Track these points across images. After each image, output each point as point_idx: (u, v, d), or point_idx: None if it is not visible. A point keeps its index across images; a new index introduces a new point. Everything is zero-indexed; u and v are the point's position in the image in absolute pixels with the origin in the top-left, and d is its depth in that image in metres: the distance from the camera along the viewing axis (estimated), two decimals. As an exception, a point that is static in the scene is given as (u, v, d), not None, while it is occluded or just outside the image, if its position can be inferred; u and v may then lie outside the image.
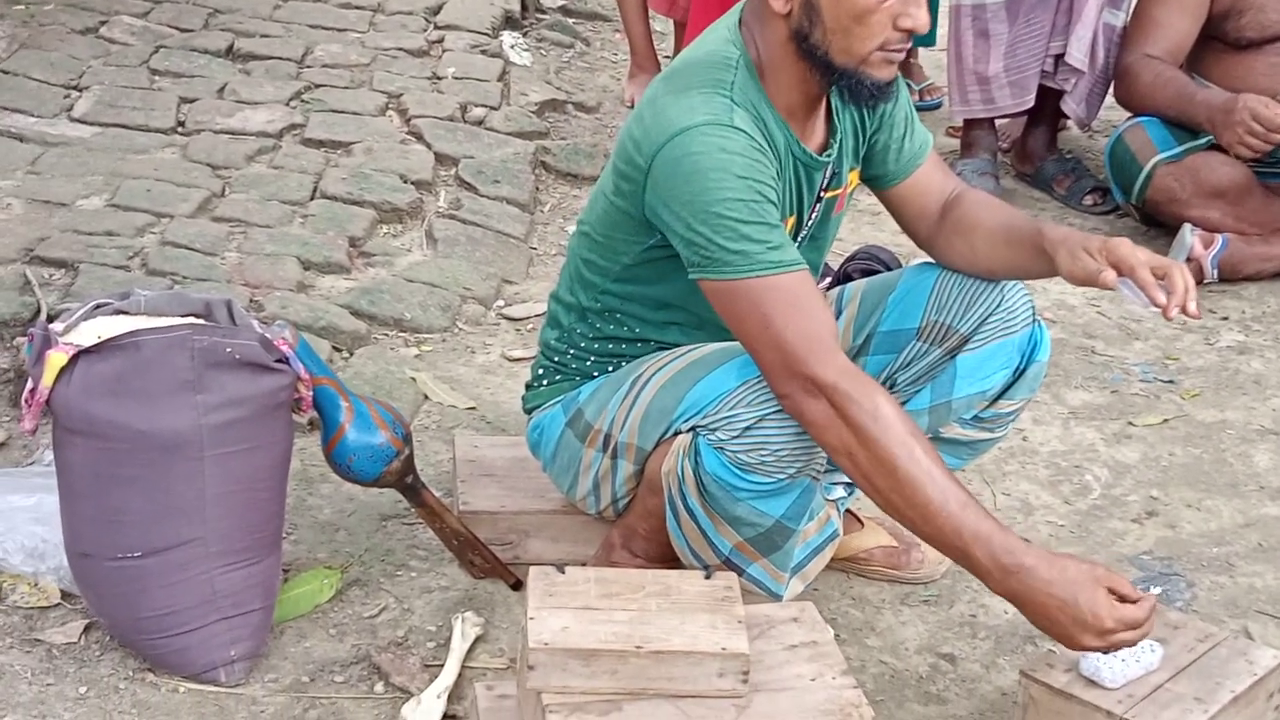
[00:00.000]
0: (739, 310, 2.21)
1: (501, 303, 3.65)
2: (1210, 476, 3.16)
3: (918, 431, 2.17)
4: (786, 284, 2.19)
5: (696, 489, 2.32)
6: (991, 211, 2.50)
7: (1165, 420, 3.36)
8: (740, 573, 2.40)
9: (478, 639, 2.50)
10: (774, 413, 2.25)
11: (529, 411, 2.63)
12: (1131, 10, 4.24)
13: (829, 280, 3.26)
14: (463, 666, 2.43)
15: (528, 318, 3.59)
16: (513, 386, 3.26)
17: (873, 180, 2.54)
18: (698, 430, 2.31)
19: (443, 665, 2.42)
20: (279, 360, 2.40)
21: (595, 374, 2.52)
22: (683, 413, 2.33)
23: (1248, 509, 3.06)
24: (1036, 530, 2.96)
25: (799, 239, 2.44)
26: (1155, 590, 2.76)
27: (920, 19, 2.24)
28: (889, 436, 2.12)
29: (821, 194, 2.44)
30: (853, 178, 2.51)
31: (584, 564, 2.61)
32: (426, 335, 3.46)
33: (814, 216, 2.46)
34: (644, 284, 2.43)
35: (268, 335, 2.41)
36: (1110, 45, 4.28)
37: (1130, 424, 3.34)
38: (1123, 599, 2.09)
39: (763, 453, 2.27)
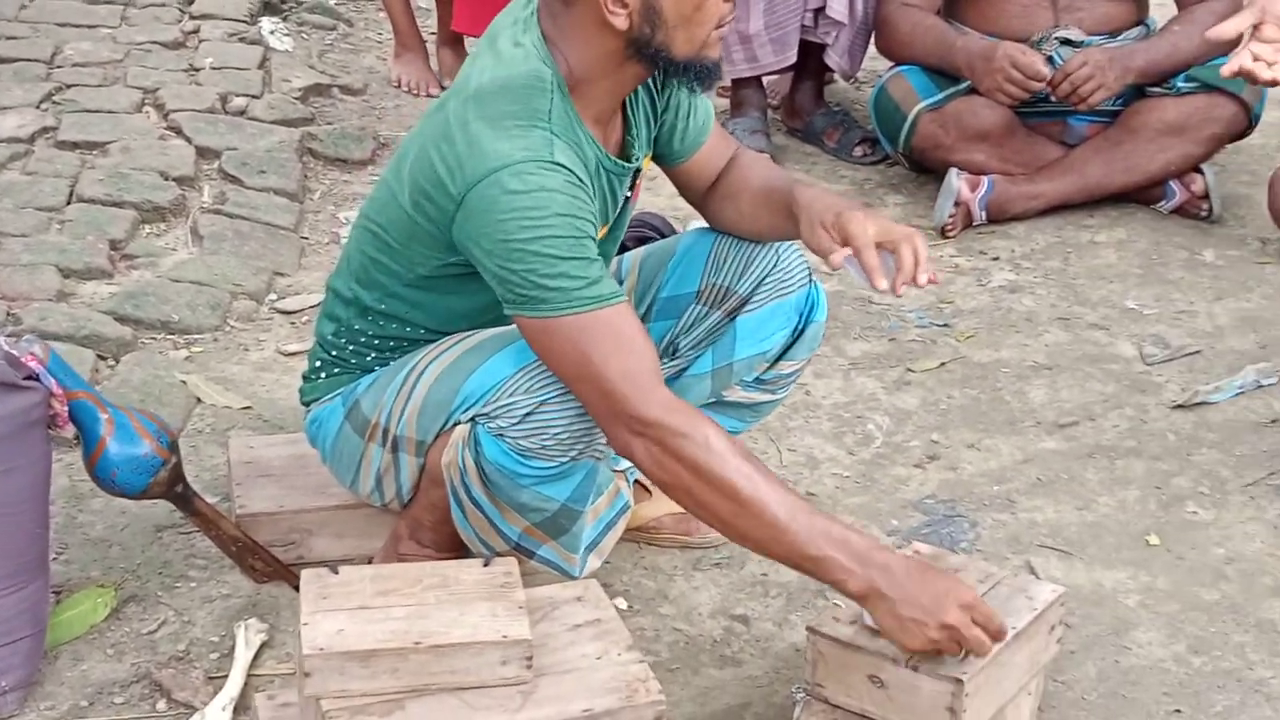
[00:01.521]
0: (557, 348, 2.16)
1: (274, 297, 3.57)
2: (988, 416, 3.22)
3: (750, 455, 2.16)
4: (605, 319, 2.15)
5: (479, 478, 2.29)
6: (756, 173, 2.50)
7: (942, 364, 3.41)
8: (531, 556, 2.37)
9: (263, 646, 2.44)
10: (554, 397, 2.22)
11: (306, 404, 2.56)
12: (886, -40, 4.28)
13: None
14: (248, 676, 2.37)
15: (302, 310, 3.51)
16: (289, 382, 3.19)
17: (659, 159, 2.52)
18: (477, 419, 2.27)
19: (227, 676, 2.36)
20: (28, 377, 2.30)
21: (375, 368, 2.46)
22: (461, 403, 2.29)
23: (1026, 445, 3.12)
24: (823, 483, 2.98)
25: (605, 241, 2.43)
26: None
27: None
28: (726, 466, 2.11)
29: (627, 194, 2.42)
30: (646, 163, 2.49)
31: (370, 559, 2.57)
32: (196, 336, 3.36)
33: (618, 218, 2.44)
34: (439, 294, 2.37)
35: (14, 352, 2.31)
36: (868, -4, 4.32)
37: (909, 370, 3.38)
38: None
39: (543, 438, 2.24)
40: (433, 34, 4.97)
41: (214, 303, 3.45)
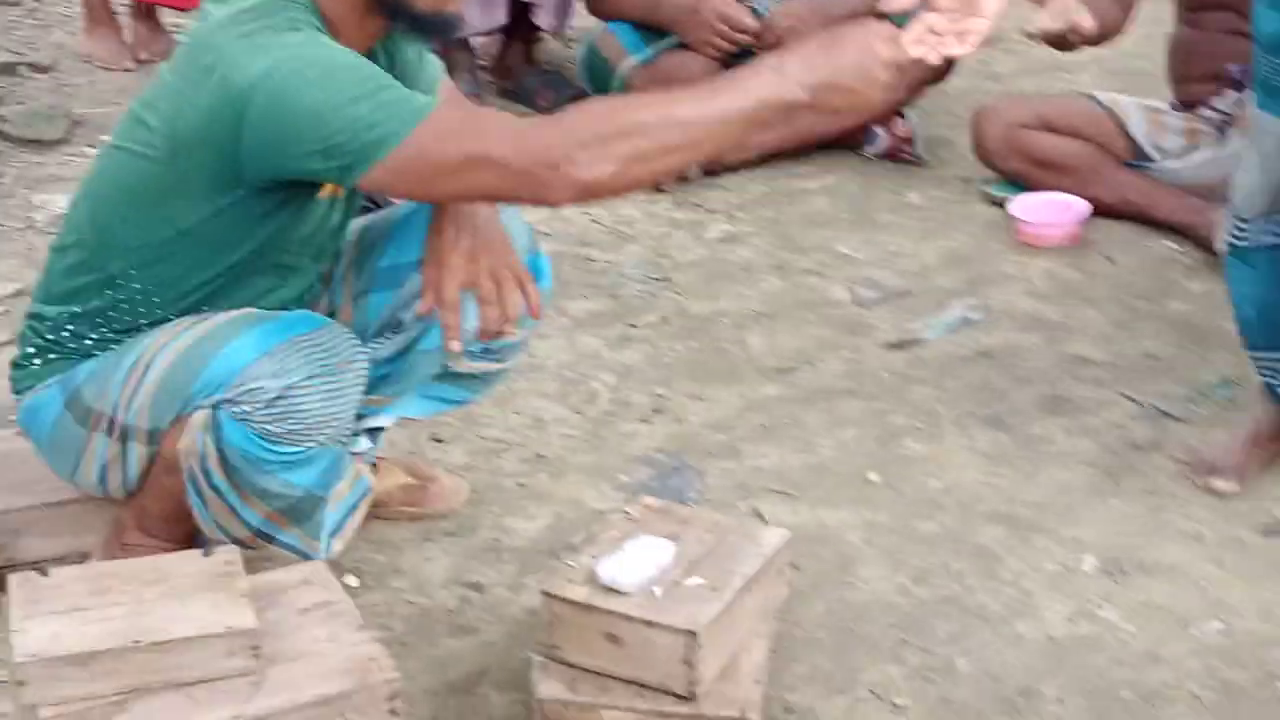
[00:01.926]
0: (431, 164, 2.07)
1: (-33, 287, 3.40)
2: (710, 366, 3.26)
3: (649, 96, 2.12)
4: (449, 110, 2.11)
5: (220, 464, 2.22)
6: None
7: (663, 318, 3.43)
8: (272, 541, 2.31)
9: (-24, 654, 2.33)
10: (301, 380, 2.17)
11: (18, 393, 2.44)
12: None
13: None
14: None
15: (-2, 298, 3.36)
16: (-11, 376, 3.04)
17: None
18: (219, 405, 2.20)
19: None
20: None
21: (95, 353, 2.35)
22: (201, 388, 2.20)
23: (747, 392, 3.16)
24: (551, 444, 2.98)
25: (351, 201, 2.39)
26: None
27: None
28: (638, 109, 2.06)
29: None
30: None
31: (87, 556, 2.47)
32: (-112, 333, 3.19)
33: None
34: (197, 252, 2.28)
35: None
36: (571, -46, 4.32)
37: (631, 326, 3.40)
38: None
39: (291, 422, 2.18)
40: (125, 5, 4.79)
41: (-97, 298, 3.28)
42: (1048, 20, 3.39)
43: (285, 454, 2.21)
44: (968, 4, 2.18)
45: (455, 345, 2.35)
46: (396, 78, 2.40)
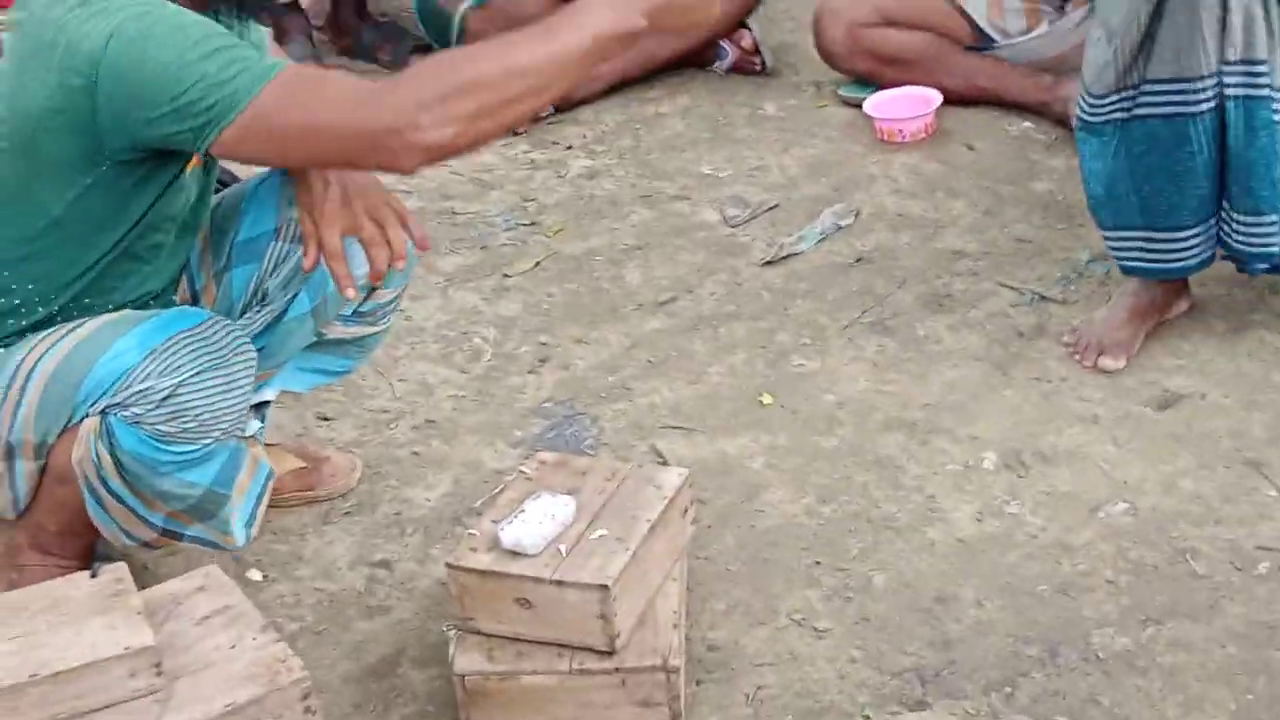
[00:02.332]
0: (276, 127, 2.01)
1: None
2: (591, 308, 3.21)
3: (484, 47, 2.04)
4: (296, 74, 2.03)
5: (115, 470, 2.15)
6: None
7: (537, 263, 3.38)
8: (180, 538, 2.26)
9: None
10: (190, 377, 2.11)
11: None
12: None
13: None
14: None
15: None
16: None
17: None
18: (108, 410, 2.13)
19: None
20: None
21: None
22: (86, 396, 2.13)
23: (631, 330, 3.13)
24: (440, 407, 2.93)
25: (208, 174, 2.33)
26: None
27: None
28: (480, 61, 1.99)
29: None
30: None
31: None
32: None
33: None
34: (71, 241, 2.19)
35: None
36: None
37: (505, 276, 3.35)
38: None
39: (184, 419, 2.12)
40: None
41: None
42: None
43: (181, 453, 2.15)
44: None
45: (350, 292, 2.29)
46: None
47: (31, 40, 2.10)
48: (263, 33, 2.43)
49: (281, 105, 2.01)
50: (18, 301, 2.23)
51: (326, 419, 2.91)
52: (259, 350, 2.40)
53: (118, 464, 2.15)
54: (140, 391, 2.11)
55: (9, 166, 2.16)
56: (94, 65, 2.02)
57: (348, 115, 2.00)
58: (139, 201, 2.20)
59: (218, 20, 2.28)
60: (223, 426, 2.17)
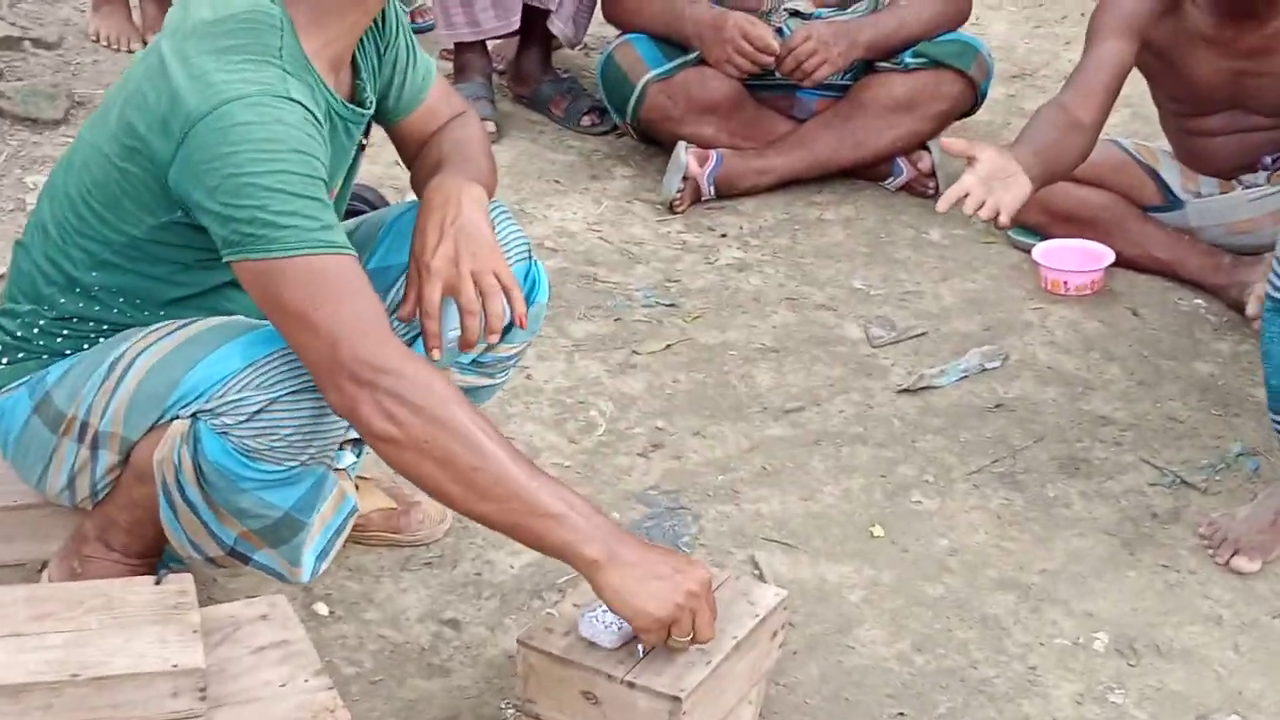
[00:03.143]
0: (283, 294, 1.96)
1: (-51, 270, 3.26)
2: (714, 401, 3.12)
3: (485, 420, 2.02)
4: (338, 265, 1.98)
5: (195, 478, 2.08)
6: (444, 143, 2.36)
7: (668, 346, 3.29)
8: (247, 561, 2.18)
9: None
10: (287, 394, 2.04)
11: (-18, 394, 2.30)
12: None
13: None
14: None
15: (-21, 285, 3.22)
16: (-40, 366, 2.90)
17: (378, 116, 2.35)
18: (199, 415, 2.07)
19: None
20: None
21: (67, 351, 2.22)
22: (180, 398, 2.08)
23: (751, 432, 3.02)
24: (543, 474, 2.83)
25: (338, 204, 2.26)
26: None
27: None
28: (464, 415, 1.97)
29: (362, 141, 2.26)
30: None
31: (44, 564, 2.34)
32: None
33: (349, 172, 2.28)
34: (148, 263, 2.15)
35: None
36: (591, -39, 4.19)
37: (634, 352, 3.26)
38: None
39: (273, 438, 2.05)
40: (135, -17, 4.66)
41: (-122, 276, 3.14)
42: (972, 185, 2.96)
43: (265, 472, 2.08)
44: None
45: (436, 354, 2.21)
46: (387, 75, 2.30)
47: (160, 62, 2.05)
48: (430, 65, 2.38)
49: (297, 282, 1.96)
50: (109, 306, 2.19)
51: (427, 463, 2.83)
52: (368, 385, 2.34)
53: (199, 472, 2.08)
54: (234, 401, 2.05)
55: (108, 173, 2.12)
56: (189, 124, 1.97)
57: (351, 328, 1.96)
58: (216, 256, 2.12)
59: (385, 44, 2.25)
60: (311, 451, 2.10)
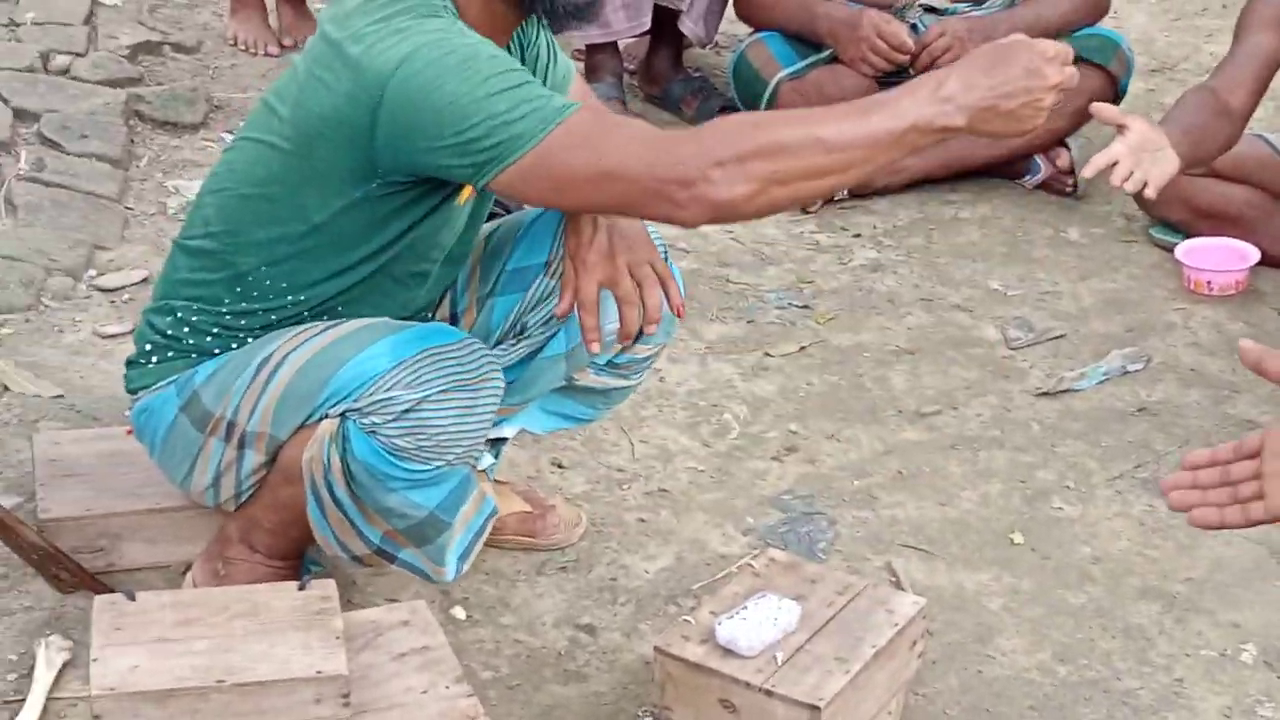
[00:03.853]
0: (563, 172, 1.97)
1: (93, 273, 3.32)
2: (848, 404, 3.09)
3: (794, 113, 2.02)
4: (583, 119, 1.98)
5: (344, 478, 2.11)
6: None
7: (802, 348, 3.27)
8: (392, 560, 2.20)
9: (66, 665, 2.22)
10: (436, 393, 2.06)
11: (133, 392, 2.35)
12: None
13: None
14: (49, 698, 2.16)
15: (123, 287, 3.28)
16: (106, 368, 2.96)
17: None
18: (348, 414, 2.09)
19: (24, 700, 2.15)
20: None
21: (216, 351, 2.25)
22: (329, 397, 2.10)
23: (886, 435, 2.99)
24: (677, 477, 2.83)
25: (483, 204, 2.30)
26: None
27: None
28: (783, 129, 1.94)
29: None
30: None
31: (188, 567, 2.37)
32: (7, 316, 3.12)
33: None
34: (330, 248, 2.18)
35: None
36: (723, -40, 4.17)
37: (767, 355, 3.24)
38: None
39: (420, 437, 2.07)
40: (271, -11, 4.72)
41: (27, 279, 3.21)
42: (1122, 153, 2.98)
43: (413, 471, 2.10)
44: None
45: (595, 347, 2.22)
46: (529, 70, 2.29)
47: (327, 46, 2.09)
48: (570, 66, 2.39)
49: (567, 147, 1.96)
50: (270, 298, 2.22)
51: (561, 467, 2.84)
52: (508, 384, 2.34)
53: (347, 471, 2.11)
54: (383, 400, 2.06)
55: (284, 166, 2.15)
56: (381, 85, 2.00)
57: (637, 160, 1.95)
58: (401, 222, 2.17)
59: (527, 44, 2.25)
60: (457, 451, 2.11)
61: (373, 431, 2.08)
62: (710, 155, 1.92)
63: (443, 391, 2.07)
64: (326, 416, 2.12)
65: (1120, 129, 2.98)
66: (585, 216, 2.23)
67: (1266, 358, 1.64)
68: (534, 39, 2.31)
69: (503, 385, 2.17)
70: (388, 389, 2.06)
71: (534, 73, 2.32)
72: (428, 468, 2.10)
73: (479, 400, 2.11)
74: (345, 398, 2.09)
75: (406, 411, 2.06)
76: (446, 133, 1.97)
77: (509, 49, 2.22)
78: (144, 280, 3.31)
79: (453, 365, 2.09)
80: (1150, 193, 2.97)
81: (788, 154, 1.92)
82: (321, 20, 2.15)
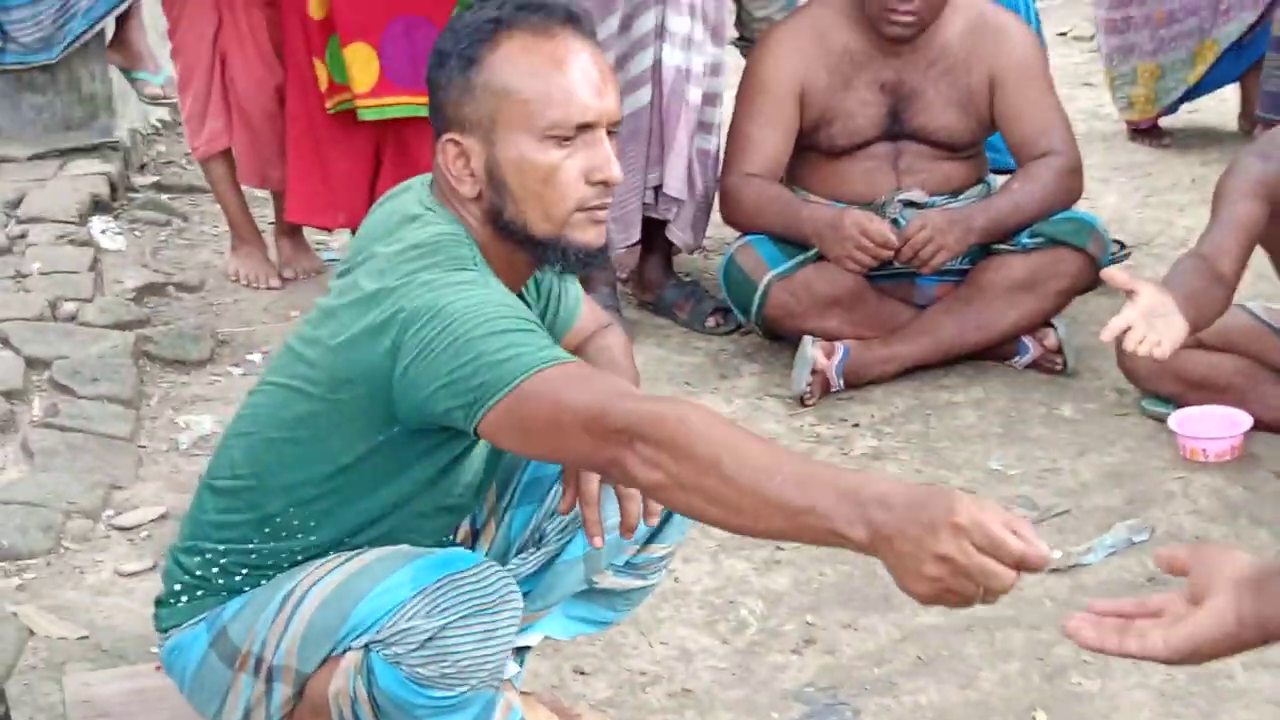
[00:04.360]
0: (528, 417, 1.97)
1: (111, 512, 3.39)
2: (863, 593, 3.13)
3: (735, 425, 1.93)
4: (566, 370, 1.99)
5: (371, 709, 2.14)
6: (589, 352, 2.43)
7: (812, 540, 3.31)
8: None
9: None
10: (457, 619, 2.09)
11: (164, 630, 2.38)
12: (725, 132, 4.27)
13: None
14: None
15: (140, 525, 3.34)
16: (129, 606, 3.01)
17: None
18: (370, 646, 2.13)
19: None
20: None
21: (244, 589, 2.30)
22: (352, 629, 2.14)
23: (903, 622, 3.03)
24: (699, 677, 2.86)
25: None
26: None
27: (612, 168, 2.16)
28: (704, 437, 1.84)
29: None
30: None
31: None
32: (28, 561, 3.17)
33: None
34: (356, 491, 2.22)
35: None
36: (706, 170, 4.31)
37: (779, 548, 3.29)
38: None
39: (444, 664, 2.10)
40: (270, 224, 4.86)
41: (46, 524, 3.27)
42: (1134, 318, 3.05)
43: (437, 699, 2.12)
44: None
45: (598, 541, 2.26)
46: (543, 304, 2.38)
47: (359, 293, 2.13)
48: (579, 292, 2.47)
49: (534, 401, 1.97)
50: (299, 537, 2.27)
51: (583, 673, 2.87)
52: (528, 592, 2.39)
53: (373, 703, 2.14)
54: (404, 630, 2.10)
55: (312, 411, 2.19)
56: (404, 330, 2.05)
57: (593, 404, 1.93)
58: (427, 465, 2.21)
59: (541, 275, 2.33)
60: (481, 675, 2.13)
61: (396, 662, 2.11)
62: (637, 430, 1.89)
63: (463, 618, 2.10)
64: (350, 649, 2.15)
65: (1130, 294, 3.07)
66: None
67: (1175, 558, 1.66)
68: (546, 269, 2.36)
69: (521, 606, 2.19)
70: (409, 619, 2.10)
71: (548, 300, 2.40)
72: (452, 694, 2.12)
73: (499, 623, 2.13)
74: (367, 629, 2.13)
75: (429, 640, 2.09)
76: (443, 371, 2.01)
77: (525, 286, 2.30)
78: (161, 517, 3.37)
79: (471, 590, 2.12)
80: (1162, 354, 3.04)
81: (690, 464, 1.85)
82: (354, 263, 2.20)
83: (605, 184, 2.16)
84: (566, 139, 2.15)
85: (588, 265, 2.22)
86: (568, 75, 2.15)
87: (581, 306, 2.47)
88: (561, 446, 2.01)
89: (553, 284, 2.40)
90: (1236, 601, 1.58)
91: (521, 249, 2.20)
